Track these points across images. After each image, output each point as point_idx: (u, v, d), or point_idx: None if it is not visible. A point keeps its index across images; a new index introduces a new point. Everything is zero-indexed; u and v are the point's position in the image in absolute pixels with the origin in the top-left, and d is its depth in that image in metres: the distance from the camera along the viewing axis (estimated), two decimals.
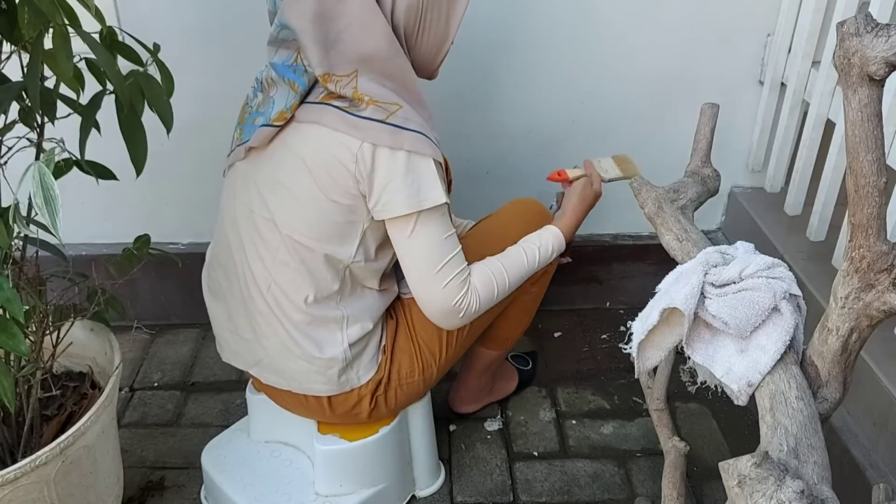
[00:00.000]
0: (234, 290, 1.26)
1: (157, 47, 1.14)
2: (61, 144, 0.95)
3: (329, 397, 1.28)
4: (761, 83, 1.79)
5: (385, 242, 1.21)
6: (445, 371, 1.39)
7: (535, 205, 1.45)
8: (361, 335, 1.24)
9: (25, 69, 0.99)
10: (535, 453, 1.62)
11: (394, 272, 1.33)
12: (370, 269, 1.22)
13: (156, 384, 1.82)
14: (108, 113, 1.08)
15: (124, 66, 1.08)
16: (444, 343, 1.33)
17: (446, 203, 1.14)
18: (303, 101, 1.12)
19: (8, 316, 0.96)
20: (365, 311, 1.25)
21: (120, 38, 1.13)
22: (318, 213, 1.14)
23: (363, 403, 1.29)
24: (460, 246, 1.19)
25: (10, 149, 1.08)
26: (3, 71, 1.07)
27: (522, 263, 1.28)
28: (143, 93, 1.09)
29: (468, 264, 1.21)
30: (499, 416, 1.71)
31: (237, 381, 1.81)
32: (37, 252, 1.19)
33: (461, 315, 1.19)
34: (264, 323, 1.23)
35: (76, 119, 1.08)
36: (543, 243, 1.31)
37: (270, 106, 1.15)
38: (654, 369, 1.22)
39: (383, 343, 1.30)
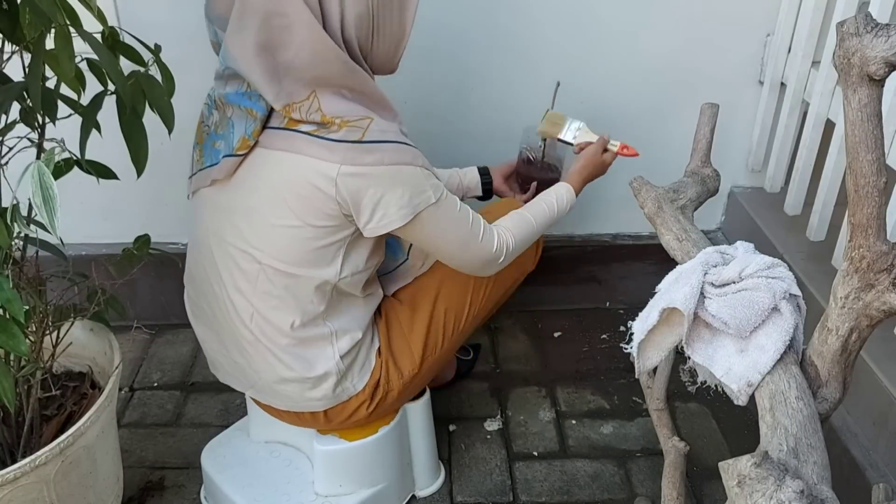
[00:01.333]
0: (219, 319, 1.25)
1: (158, 48, 1.14)
2: (62, 144, 0.95)
3: (325, 411, 1.28)
4: (761, 83, 1.79)
5: (374, 251, 1.21)
6: (446, 360, 1.40)
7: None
8: (352, 345, 1.24)
9: (27, 69, 0.99)
10: (535, 453, 1.62)
11: (375, 274, 1.32)
12: (357, 280, 1.21)
13: (155, 384, 1.82)
14: (108, 113, 1.08)
15: (125, 66, 1.08)
16: (442, 335, 1.35)
17: (440, 196, 1.15)
18: (265, 125, 1.09)
19: (8, 316, 0.96)
20: (352, 321, 1.25)
21: (120, 39, 1.13)
22: (298, 240, 1.11)
23: (361, 409, 1.29)
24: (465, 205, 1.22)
25: (11, 149, 1.08)
26: (5, 71, 1.07)
27: (545, 212, 1.36)
28: (144, 93, 1.09)
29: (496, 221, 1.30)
30: (499, 416, 1.71)
31: None
32: (37, 252, 1.19)
33: (501, 259, 1.27)
34: (252, 350, 1.22)
35: (77, 119, 1.08)
36: (559, 197, 1.40)
37: (230, 129, 1.11)
38: (654, 369, 1.22)
39: (377, 346, 1.30)
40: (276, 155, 1.08)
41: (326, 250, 1.14)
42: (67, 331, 1.24)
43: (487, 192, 1.55)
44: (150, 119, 1.10)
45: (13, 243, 1.02)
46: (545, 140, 1.51)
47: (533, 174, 1.53)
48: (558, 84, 1.48)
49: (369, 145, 1.06)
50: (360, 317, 1.26)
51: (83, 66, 1.11)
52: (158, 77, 1.12)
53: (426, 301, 1.35)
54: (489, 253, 1.24)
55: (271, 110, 1.08)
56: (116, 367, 1.25)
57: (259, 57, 1.03)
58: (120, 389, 1.73)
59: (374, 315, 1.32)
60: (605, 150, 1.47)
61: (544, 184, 1.52)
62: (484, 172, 1.54)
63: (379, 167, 1.07)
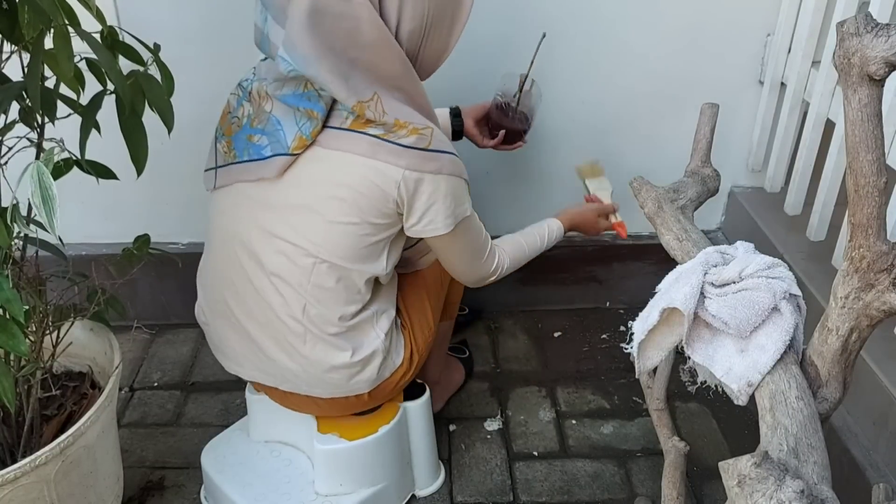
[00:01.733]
0: (257, 315, 1.25)
1: (157, 47, 1.14)
2: (61, 144, 0.95)
3: (370, 391, 1.31)
4: (761, 83, 1.79)
5: (405, 243, 1.27)
6: (441, 309, 1.47)
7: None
8: (390, 323, 1.29)
9: (26, 69, 0.99)
10: (535, 453, 1.62)
11: None
12: (393, 270, 1.28)
13: (156, 384, 1.82)
14: (108, 113, 1.08)
15: (124, 66, 1.08)
16: (435, 295, 1.43)
17: (471, 209, 1.23)
18: (323, 125, 1.12)
19: (8, 316, 0.96)
20: (385, 301, 1.30)
21: (120, 38, 1.13)
22: (355, 237, 1.16)
23: (403, 380, 1.34)
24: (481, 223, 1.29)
25: (10, 149, 1.08)
26: (4, 71, 1.07)
27: (536, 243, 1.45)
28: (143, 93, 1.08)
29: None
30: (499, 416, 1.71)
31: (237, 381, 1.80)
32: (37, 252, 1.19)
33: (493, 278, 1.36)
34: (299, 342, 1.24)
35: (76, 119, 1.08)
36: (550, 232, 1.48)
37: (275, 126, 1.13)
38: (654, 369, 1.22)
39: (399, 320, 1.35)
40: (337, 155, 1.12)
41: (377, 246, 1.19)
42: (67, 331, 1.24)
43: (458, 133, 1.57)
44: (150, 119, 1.10)
45: (13, 243, 1.02)
46: (521, 89, 1.51)
47: (503, 122, 1.54)
48: (543, 35, 1.47)
49: (433, 153, 1.12)
50: (390, 294, 1.32)
51: (82, 65, 1.11)
52: (158, 76, 1.12)
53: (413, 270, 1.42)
54: (489, 270, 1.33)
55: (329, 111, 1.10)
56: (116, 367, 1.25)
57: (326, 58, 1.04)
58: (120, 389, 1.73)
59: None
60: (606, 216, 1.58)
61: (513, 134, 1.55)
62: (456, 114, 1.56)
63: (438, 175, 1.13)
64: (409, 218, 1.16)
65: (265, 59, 1.18)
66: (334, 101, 1.11)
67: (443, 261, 1.31)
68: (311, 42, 1.03)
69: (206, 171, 1.25)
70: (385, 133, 1.09)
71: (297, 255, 1.18)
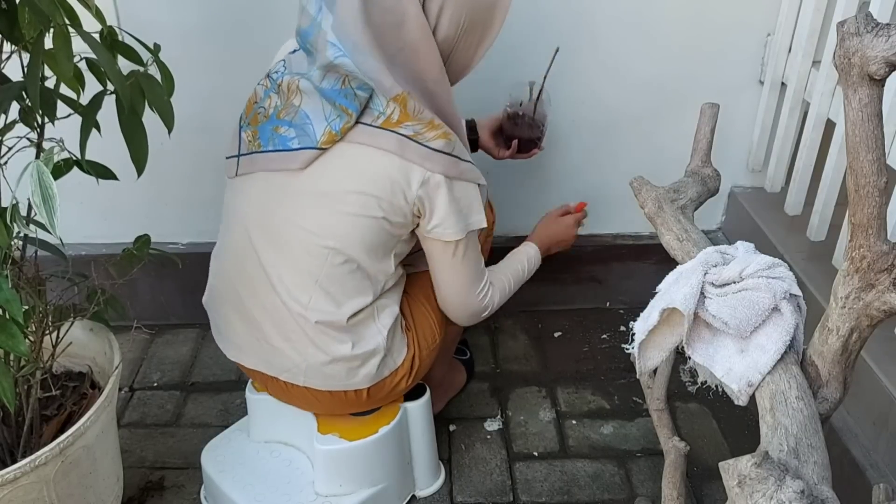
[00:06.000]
0: (265, 302, 1.25)
1: (157, 47, 1.14)
2: (61, 144, 0.95)
3: (368, 388, 1.30)
4: (761, 83, 1.79)
5: (414, 246, 1.27)
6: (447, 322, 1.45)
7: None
8: (392, 321, 1.28)
9: (25, 69, 0.99)
10: (535, 453, 1.62)
11: None
12: (399, 269, 1.29)
13: (155, 384, 1.82)
14: (108, 113, 1.08)
15: (124, 66, 1.08)
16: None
17: (482, 224, 1.23)
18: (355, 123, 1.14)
19: (7, 316, 0.96)
20: (388, 296, 1.30)
21: (120, 38, 1.13)
22: (371, 231, 1.17)
23: (402, 383, 1.33)
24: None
25: (10, 149, 1.08)
26: (3, 71, 1.07)
27: (519, 274, 1.44)
28: (143, 93, 1.08)
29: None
30: (499, 416, 1.71)
31: (237, 381, 1.81)
32: (36, 252, 1.19)
33: (484, 314, 1.35)
34: (301, 331, 1.24)
35: (76, 119, 1.08)
36: (529, 259, 1.47)
37: (304, 120, 1.15)
38: (655, 369, 1.22)
39: (404, 322, 1.34)
40: (364, 150, 1.13)
41: (388, 244, 1.21)
42: (67, 331, 1.24)
43: (473, 144, 1.57)
44: (149, 119, 1.10)
45: (12, 243, 1.02)
46: (537, 98, 1.51)
47: (515, 132, 1.55)
48: (557, 50, 1.48)
49: (456, 159, 1.15)
50: (393, 292, 1.31)
51: (82, 65, 1.11)
52: (158, 77, 1.12)
53: (423, 273, 1.40)
54: (482, 303, 1.32)
55: (363, 109, 1.12)
56: (116, 367, 1.25)
57: (374, 48, 1.08)
58: (120, 389, 1.73)
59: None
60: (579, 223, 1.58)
61: (526, 142, 1.55)
62: (471, 127, 1.56)
63: (457, 181, 1.16)
64: (425, 219, 1.18)
65: (295, 51, 1.20)
66: (367, 101, 1.12)
67: (441, 281, 1.29)
68: (363, 30, 1.07)
69: (227, 158, 1.26)
70: (415, 134, 1.11)
71: (313, 244, 1.19)
